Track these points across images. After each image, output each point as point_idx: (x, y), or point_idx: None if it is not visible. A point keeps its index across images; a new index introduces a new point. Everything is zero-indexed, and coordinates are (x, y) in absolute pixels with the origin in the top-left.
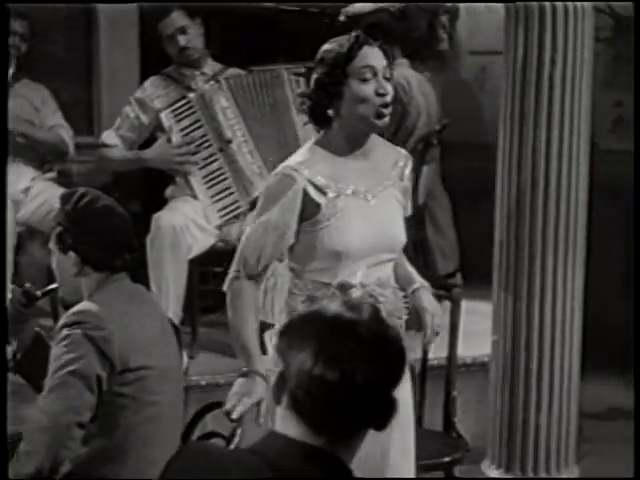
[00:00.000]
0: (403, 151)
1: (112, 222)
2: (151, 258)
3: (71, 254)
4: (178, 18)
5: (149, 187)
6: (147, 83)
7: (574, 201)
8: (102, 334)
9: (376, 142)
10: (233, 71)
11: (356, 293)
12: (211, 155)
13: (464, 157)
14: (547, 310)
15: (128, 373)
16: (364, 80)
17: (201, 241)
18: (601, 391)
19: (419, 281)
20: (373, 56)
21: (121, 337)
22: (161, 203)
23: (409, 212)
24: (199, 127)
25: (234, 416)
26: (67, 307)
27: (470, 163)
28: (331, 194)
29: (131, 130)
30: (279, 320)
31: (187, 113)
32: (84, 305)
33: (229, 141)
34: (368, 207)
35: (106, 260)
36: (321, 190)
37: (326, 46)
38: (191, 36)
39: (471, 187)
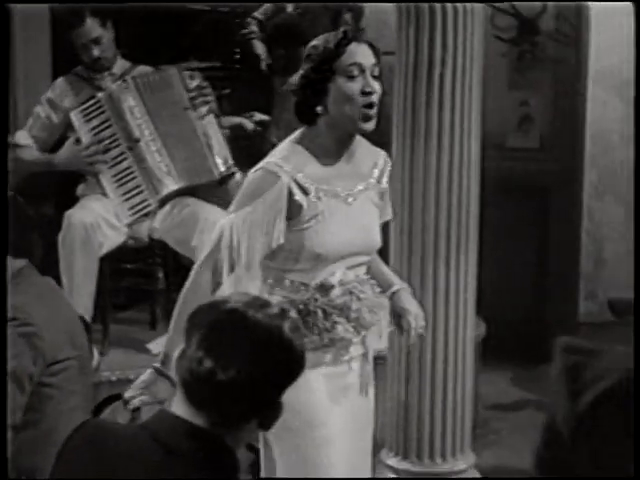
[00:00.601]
0: (382, 152)
1: (20, 208)
2: (62, 255)
3: None
4: (92, 28)
5: (61, 186)
6: (57, 83)
7: (466, 197)
8: (33, 330)
9: (359, 143)
10: (141, 69)
11: (336, 292)
12: (120, 154)
13: None
14: (440, 302)
15: (55, 365)
16: (351, 77)
17: (112, 238)
18: (509, 383)
19: (398, 283)
20: (361, 53)
21: (49, 330)
22: (73, 202)
23: (390, 215)
24: (108, 126)
25: (130, 406)
26: None
27: None
28: (313, 195)
29: (43, 130)
30: None
31: (96, 113)
32: (8, 301)
33: (137, 140)
34: (348, 209)
35: (24, 245)
36: (303, 190)
37: (313, 42)
38: (104, 46)
39: None
